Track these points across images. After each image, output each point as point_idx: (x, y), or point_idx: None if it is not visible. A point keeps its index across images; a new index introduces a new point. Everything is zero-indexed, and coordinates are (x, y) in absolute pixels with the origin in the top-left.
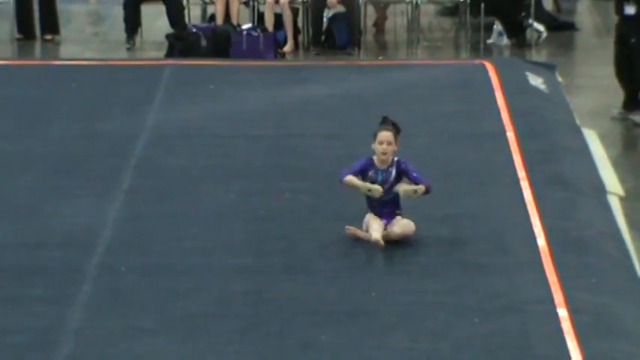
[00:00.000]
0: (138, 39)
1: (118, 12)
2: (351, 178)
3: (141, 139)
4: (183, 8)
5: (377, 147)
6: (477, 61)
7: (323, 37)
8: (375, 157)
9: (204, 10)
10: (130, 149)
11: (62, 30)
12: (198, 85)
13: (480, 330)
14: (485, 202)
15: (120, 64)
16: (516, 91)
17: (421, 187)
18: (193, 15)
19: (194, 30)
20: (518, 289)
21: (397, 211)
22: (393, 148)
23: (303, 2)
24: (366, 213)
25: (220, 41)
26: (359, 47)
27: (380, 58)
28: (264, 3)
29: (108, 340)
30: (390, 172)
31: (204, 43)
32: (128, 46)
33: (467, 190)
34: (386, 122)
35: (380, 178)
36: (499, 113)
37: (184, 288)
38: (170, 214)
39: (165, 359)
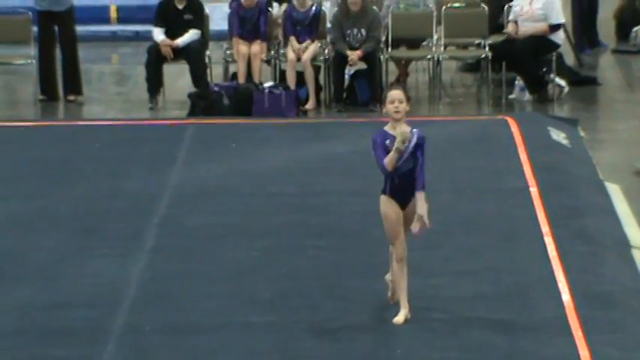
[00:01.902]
0: (160, 98)
1: (141, 72)
2: (389, 158)
3: (164, 198)
4: (206, 67)
5: (389, 107)
6: (499, 117)
7: (345, 94)
8: (386, 127)
9: (226, 69)
10: (153, 208)
11: (85, 90)
12: (220, 143)
13: None
14: (509, 257)
15: (143, 123)
16: (539, 146)
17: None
18: (215, 74)
19: (216, 89)
20: (544, 345)
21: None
22: (404, 106)
23: (325, 60)
24: (382, 196)
25: (242, 99)
26: (381, 104)
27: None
28: (286, 61)
29: None
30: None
31: (226, 101)
32: (151, 105)
33: (491, 246)
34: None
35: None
36: (522, 168)
37: (208, 347)
38: (193, 272)
39: None
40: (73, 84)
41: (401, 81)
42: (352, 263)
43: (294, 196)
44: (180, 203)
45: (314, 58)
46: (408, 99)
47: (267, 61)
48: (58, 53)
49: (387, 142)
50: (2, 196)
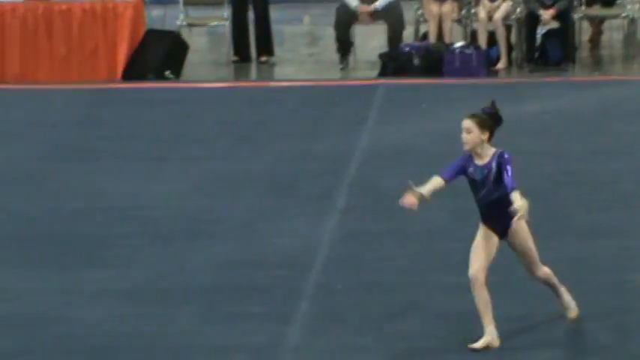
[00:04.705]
0: (351, 59)
1: (331, 32)
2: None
3: (355, 158)
4: (404, 28)
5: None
6: None
7: (536, 54)
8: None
9: (416, 30)
10: (344, 168)
11: (277, 51)
12: (410, 104)
13: None
14: None
15: (333, 84)
16: None
17: (515, 204)
18: (406, 34)
19: (407, 49)
20: None
21: (512, 210)
22: (473, 137)
23: (517, 19)
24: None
25: (433, 60)
26: (574, 63)
27: (595, 73)
28: (477, 20)
29: (325, 358)
30: (490, 168)
31: (416, 61)
32: (341, 66)
33: None
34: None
35: (479, 175)
36: None
37: (400, 306)
38: (384, 232)
39: None
40: (265, 45)
41: (593, 40)
42: (545, 224)
43: None
44: (371, 163)
45: (506, 17)
46: (484, 125)
47: (458, 21)
48: (250, 15)
49: (471, 169)
50: (198, 156)
